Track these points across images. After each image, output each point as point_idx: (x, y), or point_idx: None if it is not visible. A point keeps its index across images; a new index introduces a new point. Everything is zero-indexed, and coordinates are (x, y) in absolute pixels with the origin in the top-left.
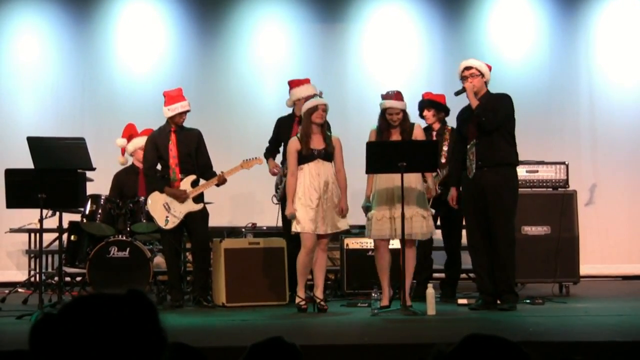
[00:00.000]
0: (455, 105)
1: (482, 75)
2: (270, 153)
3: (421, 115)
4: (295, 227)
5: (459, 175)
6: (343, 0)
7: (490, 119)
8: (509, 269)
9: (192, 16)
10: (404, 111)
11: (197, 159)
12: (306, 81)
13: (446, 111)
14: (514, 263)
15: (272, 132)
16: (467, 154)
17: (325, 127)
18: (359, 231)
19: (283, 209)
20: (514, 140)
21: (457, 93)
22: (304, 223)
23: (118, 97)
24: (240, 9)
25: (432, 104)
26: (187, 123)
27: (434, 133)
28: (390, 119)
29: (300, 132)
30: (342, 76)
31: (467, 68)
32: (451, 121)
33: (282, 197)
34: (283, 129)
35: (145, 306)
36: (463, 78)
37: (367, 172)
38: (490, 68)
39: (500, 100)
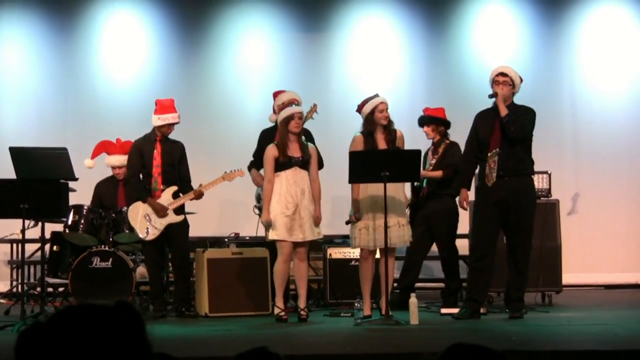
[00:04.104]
0: (457, 116)
1: (513, 86)
2: (254, 165)
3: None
4: (271, 235)
5: (471, 177)
6: (326, 9)
7: (518, 128)
8: (524, 278)
9: (175, 26)
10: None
11: (178, 170)
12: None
13: (446, 125)
14: (528, 273)
15: (256, 143)
16: (486, 161)
17: (301, 136)
18: (342, 241)
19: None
20: (531, 151)
21: (491, 96)
22: (280, 230)
23: (101, 106)
24: (224, 19)
25: (430, 119)
26: (172, 132)
27: (432, 147)
28: (381, 117)
29: (277, 140)
30: (325, 85)
31: (503, 74)
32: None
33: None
34: (267, 141)
35: (133, 317)
36: (495, 82)
37: (350, 181)
38: (521, 80)
39: (526, 113)
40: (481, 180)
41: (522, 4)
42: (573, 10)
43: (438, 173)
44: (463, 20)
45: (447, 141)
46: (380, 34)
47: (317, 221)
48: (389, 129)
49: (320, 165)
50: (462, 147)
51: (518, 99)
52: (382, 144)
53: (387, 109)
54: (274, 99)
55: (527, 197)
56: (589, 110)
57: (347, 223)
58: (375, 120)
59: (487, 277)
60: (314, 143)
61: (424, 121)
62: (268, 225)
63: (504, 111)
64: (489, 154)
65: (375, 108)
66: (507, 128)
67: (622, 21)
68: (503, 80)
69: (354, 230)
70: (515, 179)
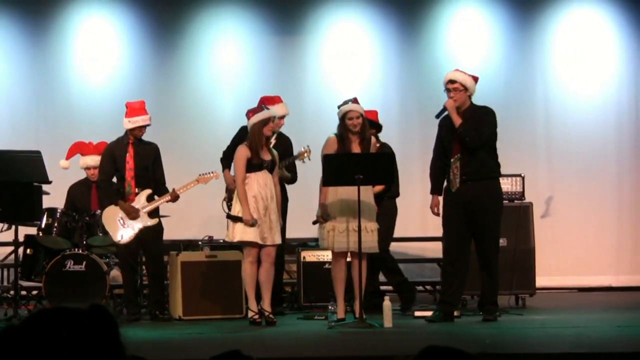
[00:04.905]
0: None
1: (466, 89)
2: (227, 158)
3: None
4: (240, 236)
5: (441, 183)
6: (300, 13)
7: (474, 138)
8: (496, 280)
9: (148, 28)
10: (362, 117)
11: (153, 172)
12: (278, 99)
13: (377, 127)
14: (499, 274)
15: (230, 140)
16: (450, 167)
17: (269, 140)
18: (316, 244)
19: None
20: (496, 153)
21: (438, 115)
22: (249, 232)
23: (74, 109)
24: (197, 21)
25: None
26: (145, 136)
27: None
28: (351, 124)
29: (250, 141)
30: (299, 88)
31: (451, 82)
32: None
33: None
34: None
35: (106, 320)
36: (446, 90)
37: (325, 184)
38: (476, 79)
39: (484, 115)
40: (447, 186)
41: (495, 7)
42: (546, 13)
43: (380, 188)
44: (436, 24)
45: (378, 144)
46: (353, 37)
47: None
48: (363, 136)
49: (295, 179)
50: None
51: (494, 102)
52: (355, 149)
53: (358, 117)
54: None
55: (491, 200)
56: (562, 113)
57: (314, 223)
58: (346, 126)
59: (460, 280)
60: (291, 149)
61: None
62: (254, 224)
63: (457, 122)
64: (452, 160)
65: (346, 115)
66: (463, 139)
67: (594, 24)
68: (453, 88)
69: (322, 232)
70: (479, 183)
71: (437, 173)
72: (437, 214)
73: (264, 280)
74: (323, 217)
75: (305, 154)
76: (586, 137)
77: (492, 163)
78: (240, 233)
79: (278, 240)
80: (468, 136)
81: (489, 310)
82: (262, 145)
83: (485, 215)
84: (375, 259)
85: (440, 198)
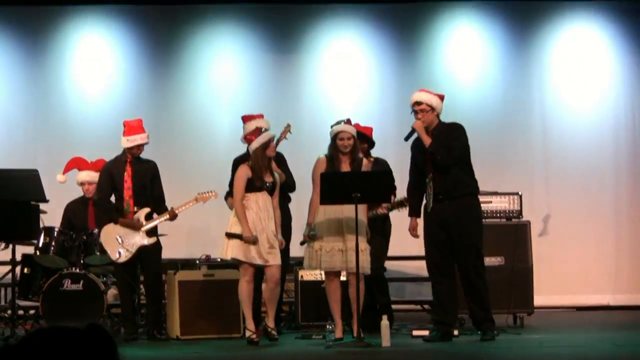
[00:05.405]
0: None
1: (433, 109)
2: (230, 193)
3: None
4: (232, 253)
5: (418, 205)
6: (297, 31)
7: (445, 155)
8: (484, 297)
9: (146, 46)
10: (354, 138)
11: (151, 190)
12: (259, 116)
13: (370, 143)
14: (488, 291)
15: (227, 165)
16: (425, 186)
17: (271, 161)
18: None
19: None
20: (471, 168)
21: (407, 138)
22: (245, 252)
23: (71, 128)
24: (195, 39)
25: (358, 135)
26: (143, 153)
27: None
28: (342, 145)
29: (253, 164)
30: (296, 106)
31: (417, 103)
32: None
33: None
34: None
35: (104, 340)
36: (413, 112)
37: (321, 202)
38: (442, 97)
39: (453, 131)
40: (425, 207)
41: (491, 24)
42: (542, 29)
43: (384, 211)
44: (433, 40)
45: (371, 158)
46: (350, 55)
47: (281, 245)
48: (354, 157)
49: (293, 187)
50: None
51: (491, 120)
52: (345, 169)
53: (350, 137)
54: (244, 123)
55: (469, 217)
56: (559, 132)
57: (301, 244)
58: (337, 146)
59: (449, 299)
60: (286, 165)
61: None
62: (255, 242)
63: (427, 141)
64: (426, 180)
65: (337, 135)
66: (434, 158)
67: (590, 40)
68: (420, 109)
69: (310, 251)
70: (455, 201)
71: (413, 195)
72: (416, 236)
73: (267, 299)
74: (309, 235)
75: (287, 130)
76: (584, 155)
77: (468, 179)
78: (232, 250)
79: (273, 261)
80: (439, 154)
81: (486, 330)
82: (265, 168)
83: (464, 234)
84: (372, 277)
85: (419, 220)
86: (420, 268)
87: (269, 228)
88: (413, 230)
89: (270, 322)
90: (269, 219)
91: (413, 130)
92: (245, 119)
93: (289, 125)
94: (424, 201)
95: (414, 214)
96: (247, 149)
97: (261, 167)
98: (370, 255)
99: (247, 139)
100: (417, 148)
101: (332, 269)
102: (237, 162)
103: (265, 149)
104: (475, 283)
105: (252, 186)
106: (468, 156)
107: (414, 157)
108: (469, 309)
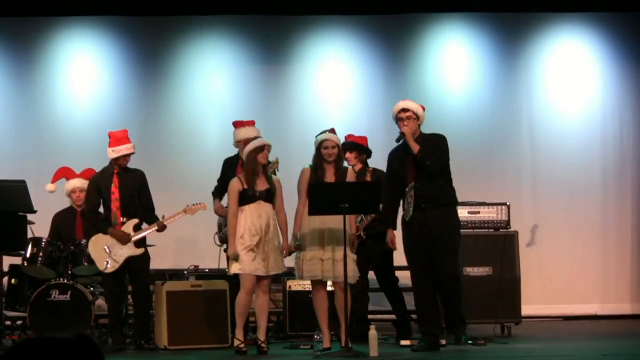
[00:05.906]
0: (379, 145)
1: (418, 118)
2: (218, 192)
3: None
4: (233, 268)
5: (395, 216)
6: (286, 42)
7: (435, 162)
8: (455, 300)
9: (134, 58)
10: (339, 147)
11: (139, 200)
12: (250, 123)
13: (368, 153)
14: (460, 295)
15: (218, 172)
16: (404, 196)
17: (267, 168)
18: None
19: (226, 250)
20: (451, 178)
21: (398, 139)
22: (244, 264)
23: (59, 139)
24: (183, 51)
25: (354, 146)
26: (132, 165)
27: (355, 174)
28: (326, 154)
29: (244, 172)
30: (284, 117)
31: (404, 110)
32: (373, 162)
33: (225, 239)
34: (229, 169)
35: (92, 350)
36: (399, 119)
37: (310, 213)
38: (424, 109)
39: (439, 140)
40: (403, 215)
41: (480, 36)
42: (530, 42)
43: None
44: (422, 53)
45: (370, 168)
46: (339, 66)
47: (285, 252)
48: (338, 166)
49: None
50: None
51: (479, 131)
52: (330, 179)
53: (334, 146)
54: (235, 129)
55: (450, 225)
56: (547, 142)
57: (289, 254)
58: (322, 156)
59: (430, 307)
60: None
61: (347, 147)
62: (235, 258)
63: (415, 148)
64: (406, 189)
65: (321, 144)
66: (424, 164)
67: (577, 53)
68: (407, 116)
69: (296, 261)
70: (437, 210)
71: (389, 207)
72: (395, 248)
73: (258, 310)
74: (295, 246)
75: (275, 165)
76: (571, 166)
77: (449, 189)
78: (234, 265)
79: (272, 271)
80: (429, 160)
81: (458, 334)
82: (257, 174)
83: (444, 240)
84: (386, 289)
85: (397, 232)
86: (406, 277)
87: (267, 238)
88: (391, 243)
89: (261, 335)
90: (266, 228)
91: (403, 134)
92: (237, 124)
93: (277, 160)
94: (400, 212)
95: (390, 226)
96: (238, 152)
97: (254, 172)
98: (379, 269)
99: (240, 146)
100: (398, 157)
101: (312, 277)
102: (227, 162)
103: (257, 154)
104: (449, 287)
105: (245, 198)
106: (448, 166)
107: (392, 167)
108: (445, 314)
